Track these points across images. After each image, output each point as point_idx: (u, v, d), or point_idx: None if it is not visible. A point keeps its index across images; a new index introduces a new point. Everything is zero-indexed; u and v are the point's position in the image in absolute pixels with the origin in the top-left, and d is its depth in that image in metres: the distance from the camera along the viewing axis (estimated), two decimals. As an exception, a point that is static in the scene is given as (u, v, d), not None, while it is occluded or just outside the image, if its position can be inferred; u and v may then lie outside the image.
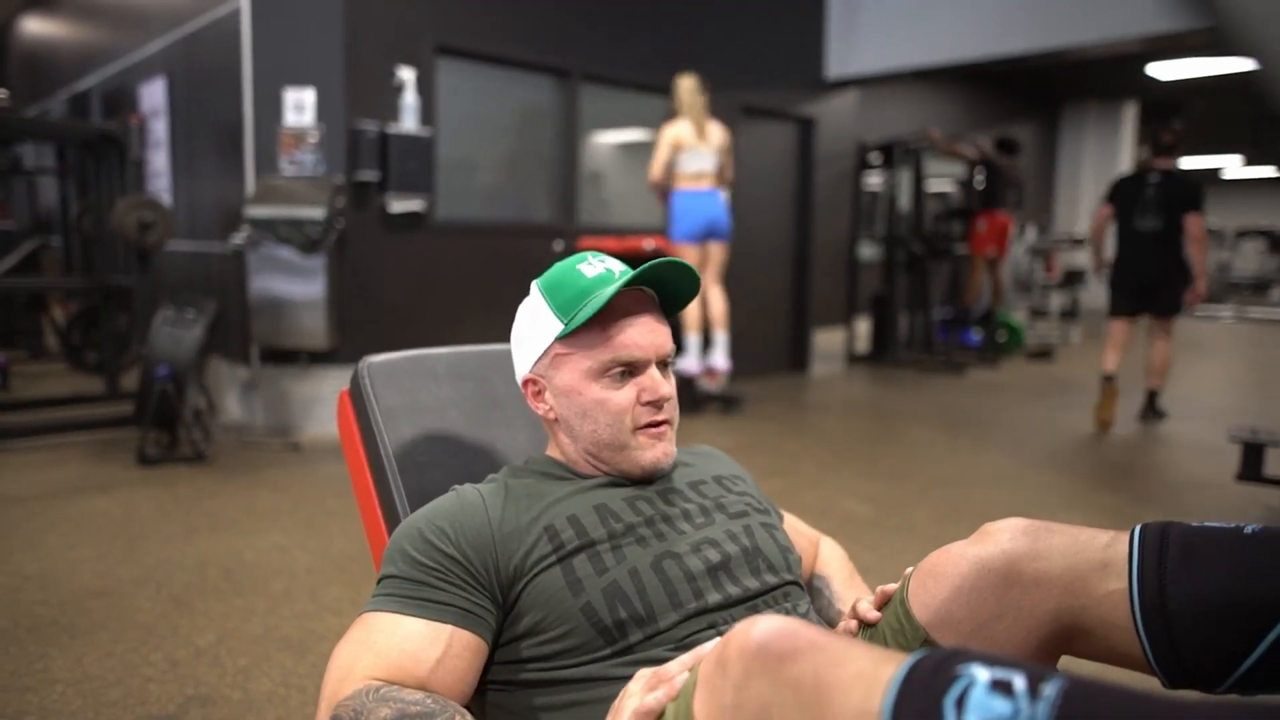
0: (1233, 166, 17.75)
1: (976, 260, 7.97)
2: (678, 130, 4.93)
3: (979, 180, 8.08)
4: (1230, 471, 3.30)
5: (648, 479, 1.09)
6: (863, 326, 7.91)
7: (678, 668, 0.82)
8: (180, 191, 5.47)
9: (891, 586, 1.00)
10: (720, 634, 0.93)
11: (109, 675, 2.01)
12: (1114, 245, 5.19)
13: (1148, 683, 0.76)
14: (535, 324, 1.10)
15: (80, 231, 5.99)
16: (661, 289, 1.11)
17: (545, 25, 5.24)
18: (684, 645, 0.95)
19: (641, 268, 1.05)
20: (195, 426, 3.93)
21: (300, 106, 4.38)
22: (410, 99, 4.53)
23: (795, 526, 1.29)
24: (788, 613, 1.03)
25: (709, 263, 5.08)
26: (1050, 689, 0.51)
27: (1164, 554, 0.83)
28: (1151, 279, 4.99)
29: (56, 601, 2.40)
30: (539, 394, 1.12)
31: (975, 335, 8.23)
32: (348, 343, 4.43)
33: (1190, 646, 0.81)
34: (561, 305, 1.07)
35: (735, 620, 0.97)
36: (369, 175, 4.41)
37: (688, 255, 4.91)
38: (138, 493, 3.43)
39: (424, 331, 4.66)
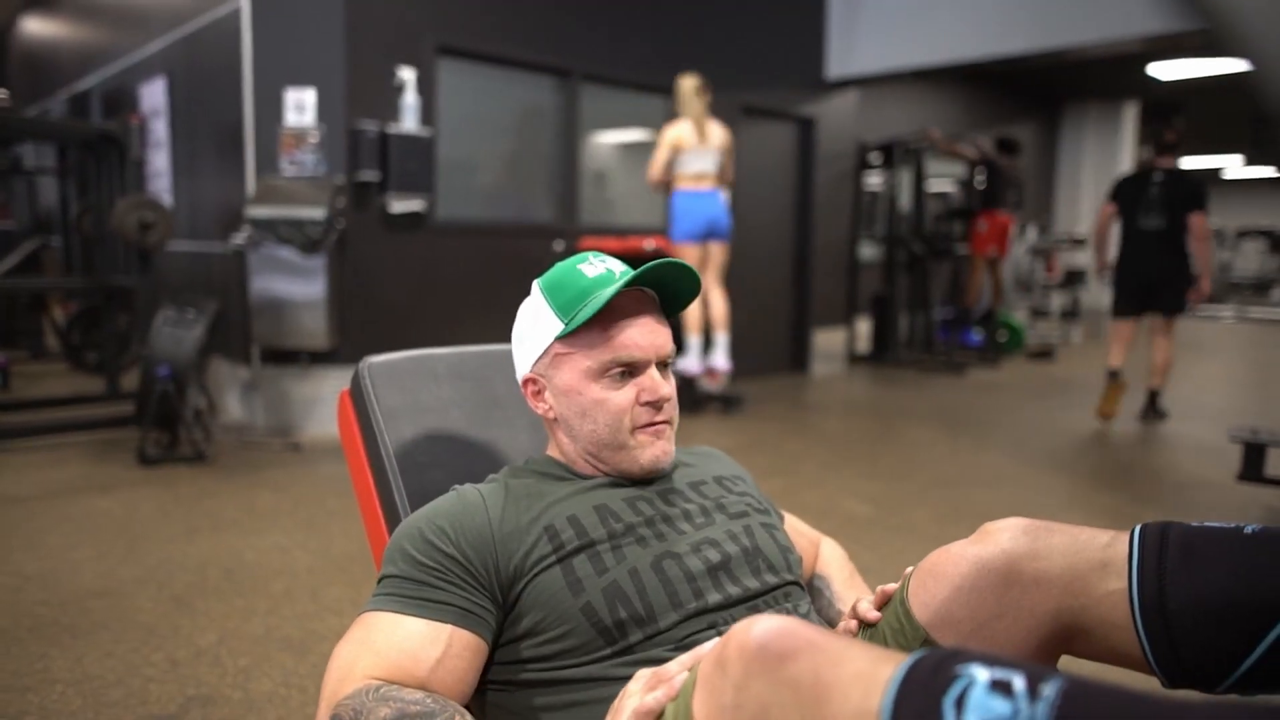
0: (1233, 166, 17.74)
1: (977, 260, 7.97)
2: (679, 131, 4.93)
3: (979, 180, 8.08)
4: (1231, 471, 3.30)
5: (647, 479, 1.09)
6: (863, 326, 7.91)
7: (677, 668, 0.82)
8: (181, 191, 5.47)
9: (891, 586, 1.00)
10: (720, 634, 0.92)
11: (110, 675, 2.01)
12: (1117, 244, 5.20)
13: (1147, 683, 0.76)
14: (536, 323, 1.10)
15: (81, 231, 5.99)
16: (662, 290, 1.11)
17: (546, 25, 5.24)
18: (684, 645, 0.95)
19: (642, 268, 1.05)
20: (196, 426, 3.93)
21: (301, 106, 4.38)
22: (411, 99, 4.53)
23: (796, 527, 1.30)
24: (788, 613, 1.03)
25: (709, 263, 5.08)
26: (1050, 689, 0.51)
27: (1164, 554, 0.83)
28: (1155, 278, 5.00)
29: (57, 601, 2.40)
30: (539, 393, 1.12)
31: (976, 335, 8.23)
32: (348, 343, 4.43)
33: (1190, 646, 0.81)
34: (562, 305, 1.07)
35: (735, 620, 0.97)
36: (369, 175, 4.42)
37: (688, 255, 4.92)
38: (138, 493, 3.43)
39: (424, 331, 4.66)
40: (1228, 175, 18.99)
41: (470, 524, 1.00)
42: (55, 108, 7.96)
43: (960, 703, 0.52)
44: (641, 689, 0.81)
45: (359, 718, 0.84)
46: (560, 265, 1.11)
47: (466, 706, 0.94)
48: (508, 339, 1.21)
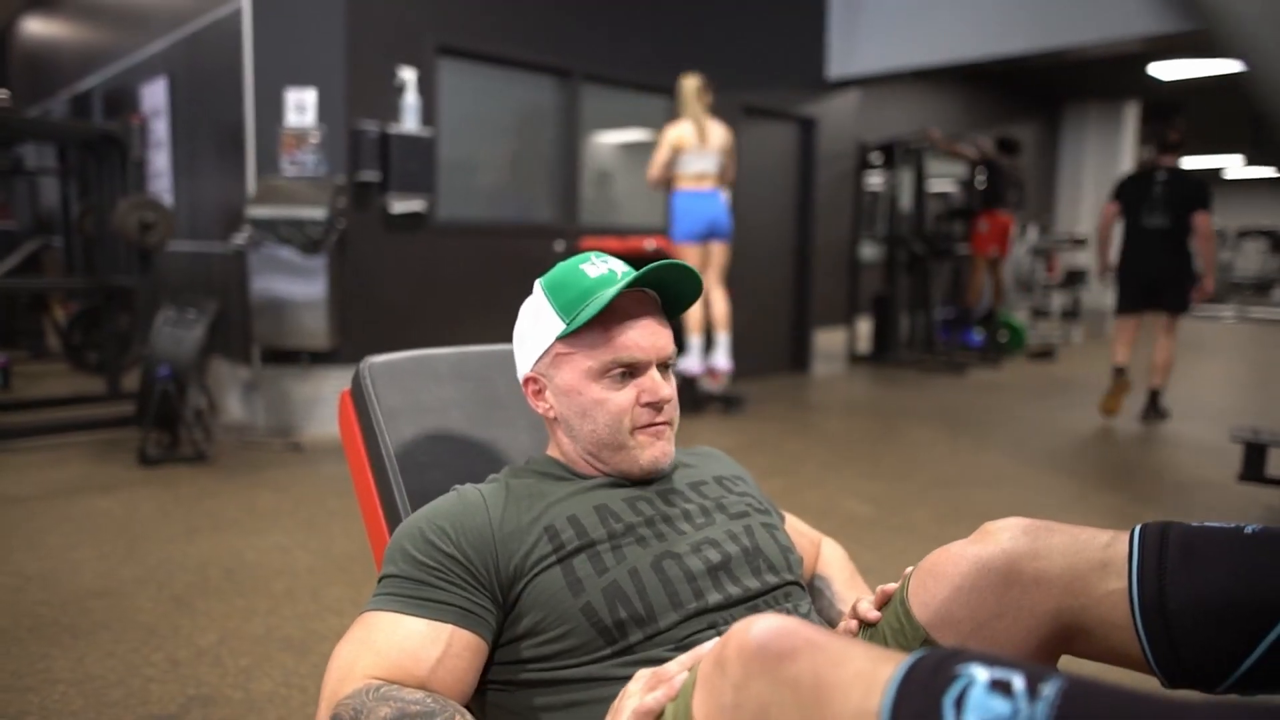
0: (1234, 167, 17.73)
1: (978, 260, 7.97)
2: (679, 131, 4.93)
3: (980, 180, 8.07)
4: (1231, 471, 3.30)
5: (647, 479, 1.09)
6: (864, 326, 7.91)
7: (677, 668, 0.82)
8: (181, 192, 5.48)
9: (892, 586, 1.00)
10: (720, 634, 0.93)
11: (110, 675, 2.01)
12: (1120, 244, 5.21)
13: (1147, 683, 0.76)
14: (537, 323, 1.10)
15: (82, 232, 6.00)
16: (664, 291, 1.11)
17: (546, 25, 5.24)
18: (684, 645, 0.95)
19: (644, 269, 1.05)
20: (196, 427, 3.93)
21: (301, 107, 4.38)
22: (411, 99, 4.53)
23: (796, 527, 1.30)
24: (788, 613, 1.03)
25: (710, 263, 5.08)
26: (1049, 689, 0.51)
27: (1164, 554, 0.83)
28: (1158, 276, 5.01)
29: (58, 601, 2.41)
30: (539, 392, 1.12)
31: (977, 335, 8.23)
32: (349, 343, 4.43)
33: (1190, 646, 0.81)
34: (564, 305, 1.07)
35: (736, 620, 0.97)
36: (370, 175, 4.42)
37: (689, 255, 4.92)
38: (139, 493, 3.43)
39: (425, 332, 4.67)
40: (1228, 175, 18.98)
41: (471, 524, 1.00)
42: (56, 108, 7.97)
43: (960, 702, 0.52)
44: (641, 689, 0.82)
45: (359, 717, 0.84)
46: (563, 265, 1.12)
47: (467, 706, 0.94)
48: (508, 339, 1.21)
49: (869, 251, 7.96)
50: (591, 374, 1.06)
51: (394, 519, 1.23)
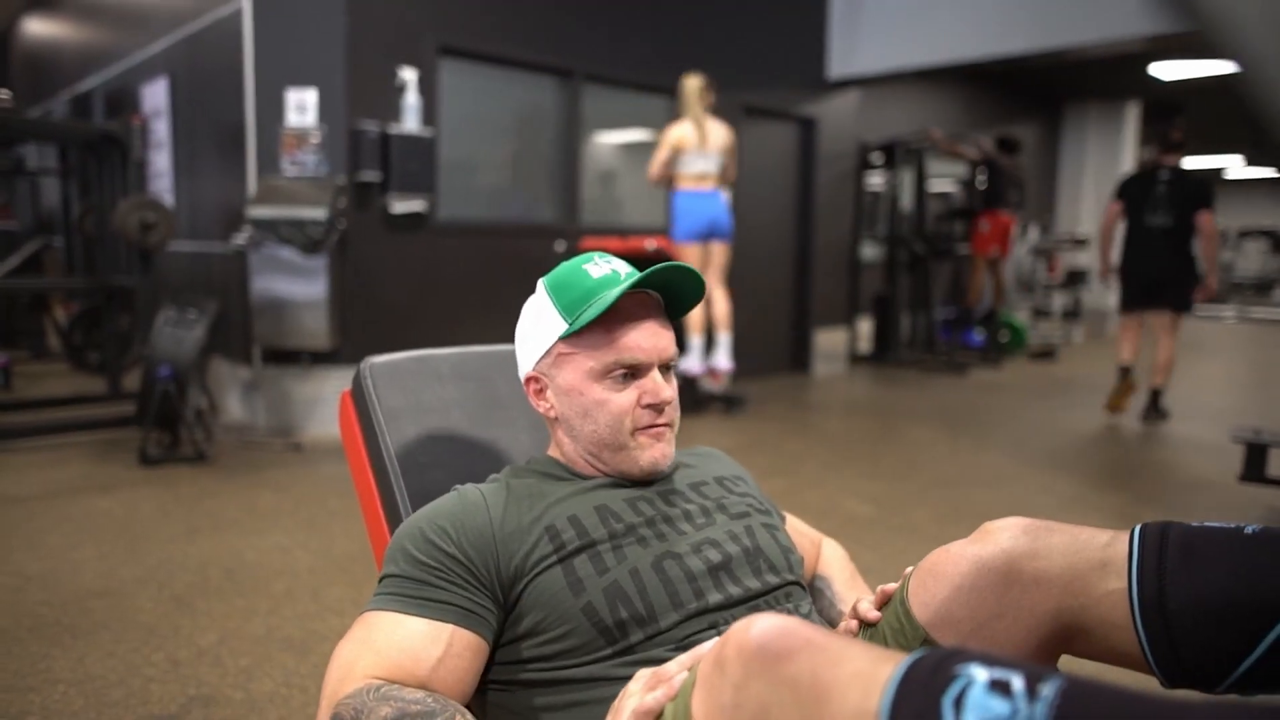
0: (1235, 167, 17.73)
1: (979, 260, 7.97)
2: (680, 131, 4.93)
3: (981, 180, 8.07)
4: (1232, 472, 3.30)
5: (647, 479, 1.09)
6: (865, 327, 7.90)
7: (676, 668, 0.82)
8: (182, 192, 5.48)
9: (892, 586, 1.00)
10: (720, 634, 0.93)
11: (111, 675, 2.01)
12: (1122, 243, 5.21)
13: (1147, 683, 0.76)
14: (540, 322, 1.10)
15: (82, 232, 6.00)
16: (667, 293, 1.11)
17: (547, 25, 5.24)
18: (685, 645, 0.95)
19: (648, 271, 1.05)
20: (197, 427, 3.93)
21: (302, 107, 4.39)
22: (412, 99, 4.53)
23: (797, 527, 1.30)
24: (789, 613, 1.03)
25: (711, 263, 5.08)
26: (1048, 689, 0.51)
27: (1164, 554, 0.83)
28: (1161, 276, 5.01)
29: (58, 601, 2.41)
30: (541, 392, 1.12)
31: (977, 335, 8.22)
32: (349, 343, 4.43)
33: (1190, 646, 0.81)
34: (567, 305, 1.07)
35: (736, 620, 0.97)
36: (371, 176, 4.42)
37: (690, 255, 4.92)
38: (139, 493, 3.43)
39: (426, 332, 4.67)
40: (1229, 175, 18.98)
41: (471, 524, 1.00)
42: (57, 108, 7.97)
43: (959, 702, 0.52)
44: (641, 689, 0.82)
45: (360, 717, 0.84)
46: (566, 265, 1.12)
47: (467, 706, 0.95)
48: (509, 339, 1.21)
49: (869, 251, 7.95)
50: (593, 374, 1.06)
51: (395, 519, 1.23)
